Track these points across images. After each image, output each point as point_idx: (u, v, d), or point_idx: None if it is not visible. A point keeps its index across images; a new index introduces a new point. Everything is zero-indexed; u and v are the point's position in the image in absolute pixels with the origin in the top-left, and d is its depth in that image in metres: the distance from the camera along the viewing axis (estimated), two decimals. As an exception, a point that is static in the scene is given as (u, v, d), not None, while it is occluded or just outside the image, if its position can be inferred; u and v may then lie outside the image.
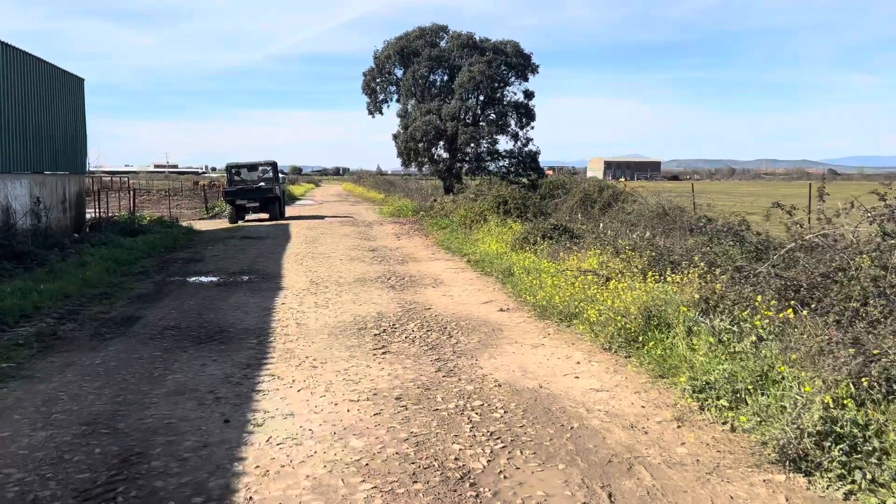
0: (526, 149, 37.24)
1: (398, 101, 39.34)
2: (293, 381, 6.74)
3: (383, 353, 7.78)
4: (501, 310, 10.15)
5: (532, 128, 37.59)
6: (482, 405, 6.01)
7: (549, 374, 6.95)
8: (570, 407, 5.97)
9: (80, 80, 21.09)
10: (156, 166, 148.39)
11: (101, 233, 19.11)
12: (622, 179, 53.81)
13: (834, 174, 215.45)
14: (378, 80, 39.84)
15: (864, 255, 6.05)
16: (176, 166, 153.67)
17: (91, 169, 35.26)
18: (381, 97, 40.15)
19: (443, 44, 38.41)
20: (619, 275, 9.97)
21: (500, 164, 37.30)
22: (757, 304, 6.75)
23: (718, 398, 5.68)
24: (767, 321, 6.55)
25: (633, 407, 5.95)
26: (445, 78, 38.41)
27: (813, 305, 6.62)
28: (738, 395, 5.57)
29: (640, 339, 7.38)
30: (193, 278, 13.53)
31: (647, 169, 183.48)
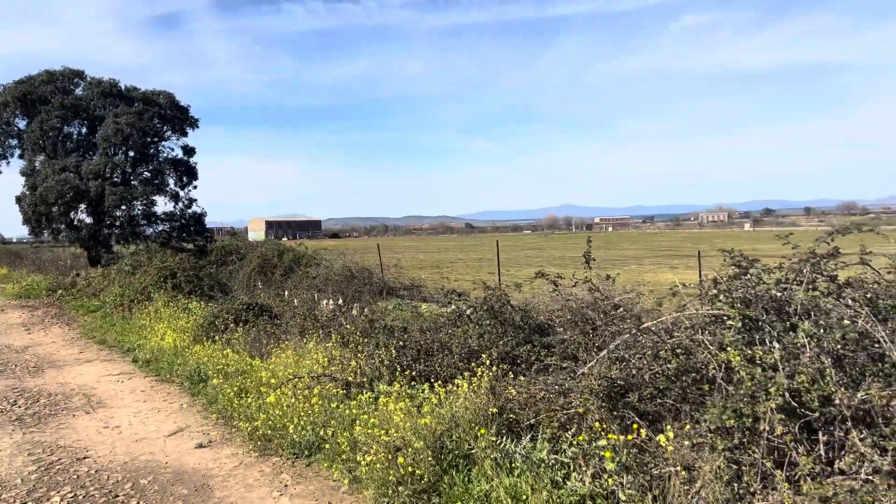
0: (189, 210, 32.98)
1: (21, 156, 32.31)
2: None
3: (3, 588, 4.31)
4: (201, 445, 7.03)
5: (195, 187, 33.55)
6: None
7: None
8: None
9: None
10: None
11: None
12: (285, 239, 52.47)
13: (471, 227, 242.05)
14: (-8, 132, 32.34)
15: (730, 350, 4.57)
16: None
17: None
18: (-1, 152, 32.68)
19: (79, 91, 32.61)
20: (359, 375, 7.64)
21: (160, 228, 32.42)
22: (595, 421, 4.95)
23: None
24: (608, 445, 4.77)
25: None
26: (85, 130, 32.58)
27: (652, 418, 5.04)
28: None
29: (436, 486, 5.09)
30: None
31: (309, 228, 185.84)
